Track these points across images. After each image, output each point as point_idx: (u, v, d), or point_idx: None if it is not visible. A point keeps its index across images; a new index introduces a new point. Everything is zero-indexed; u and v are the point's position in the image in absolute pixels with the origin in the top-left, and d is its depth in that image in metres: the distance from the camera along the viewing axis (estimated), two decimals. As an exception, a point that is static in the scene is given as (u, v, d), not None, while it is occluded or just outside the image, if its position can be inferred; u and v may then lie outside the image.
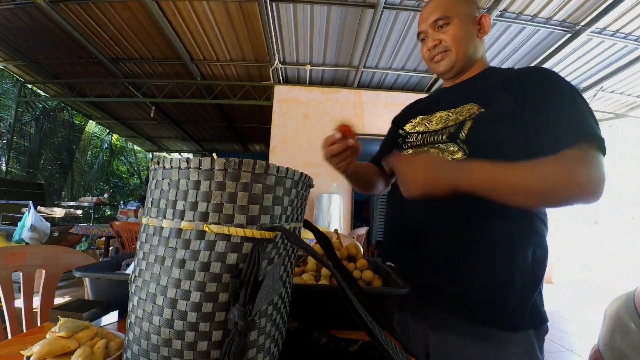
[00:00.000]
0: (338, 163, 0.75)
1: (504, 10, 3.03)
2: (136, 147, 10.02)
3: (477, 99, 0.74)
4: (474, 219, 0.69)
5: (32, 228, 3.48)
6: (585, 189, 0.58)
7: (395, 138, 0.93)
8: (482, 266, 0.68)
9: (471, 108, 0.73)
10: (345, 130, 0.69)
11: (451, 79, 0.85)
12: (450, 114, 0.77)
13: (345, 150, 0.71)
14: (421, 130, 0.83)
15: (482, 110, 0.71)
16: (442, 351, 0.70)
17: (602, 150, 0.61)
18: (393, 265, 0.81)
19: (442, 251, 0.71)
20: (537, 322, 0.68)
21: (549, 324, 0.70)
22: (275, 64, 4.05)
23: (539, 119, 0.65)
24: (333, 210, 3.94)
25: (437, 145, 0.76)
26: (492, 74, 0.78)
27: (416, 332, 0.76)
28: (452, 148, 0.73)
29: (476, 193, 0.61)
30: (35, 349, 0.40)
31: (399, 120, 0.97)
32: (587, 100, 0.65)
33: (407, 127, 0.88)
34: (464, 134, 0.71)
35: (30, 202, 3.69)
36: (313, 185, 0.50)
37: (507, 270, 0.66)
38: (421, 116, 0.86)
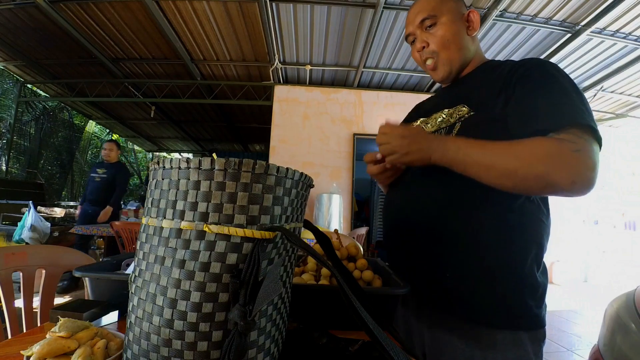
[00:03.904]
0: (381, 180, 0.84)
1: (504, 10, 3.03)
2: (136, 147, 10.02)
3: (468, 100, 0.73)
4: (463, 212, 0.68)
5: (32, 228, 3.49)
6: (570, 175, 0.53)
7: None
8: (467, 260, 0.66)
9: (461, 110, 0.72)
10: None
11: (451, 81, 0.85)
12: (443, 116, 0.77)
13: (384, 171, 0.78)
14: None
15: (472, 113, 0.70)
16: (435, 350, 0.70)
17: (597, 139, 0.56)
18: (388, 264, 0.82)
19: (432, 247, 0.71)
20: (529, 324, 0.65)
21: (549, 324, 0.68)
22: (275, 64, 4.05)
23: (520, 108, 0.62)
24: (333, 210, 3.94)
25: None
26: (486, 70, 0.76)
27: (415, 330, 0.76)
28: (431, 133, 0.74)
29: (449, 167, 0.63)
30: (35, 349, 0.40)
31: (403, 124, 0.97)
32: (587, 100, 0.62)
33: None
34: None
35: (30, 202, 3.70)
36: (313, 185, 0.50)
37: (493, 264, 0.65)
38: (422, 119, 0.86)
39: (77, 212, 3.82)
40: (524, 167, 0.55)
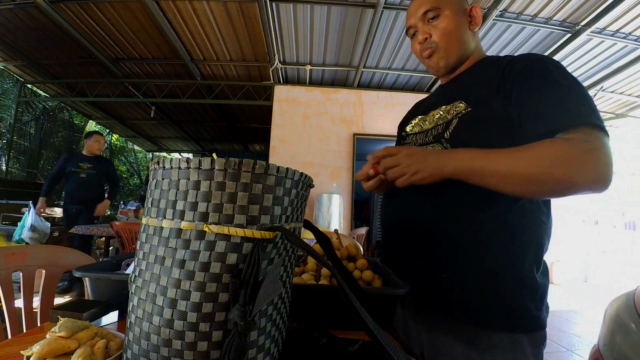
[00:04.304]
0: (379, 192, 0.83)
1: (504, 10, 3.03)
2: (136, 147, 10.02)
3: (465, 96, 0.72)
4: (463, 213, 0.67)
5: (32, 228, 3.48)
6: (589, 174, 0.53)
7: (399, 141, 0.94)
8: (466, 261, 0.66)
9: (458, 106, 0.71)
10: (375, 170, 0.77)
11: (446, 76, 0.83)
12: (441, 112, 0.76)
13: (380, 185, 0.78)
14: (417, 131, 0.83)
15: (469, 109, 0.69)
16: (433, 351, 0.70)
17: (606, 133, 0.56)
18: (384, 265, 0.81)
19: (431, 248, 0.70)
20: (528, 326, 0.64)
21: (549, 324, 0.67)
22: (275, 64, 4.05)
23: (524, 109, 0.61)
24: (333, 210, 3.94)
25: (424, 146, 0.77)
26: (484, 66, 0.75)
27: (413, 331, 0.76)
28: (436, 149, 0.73)
29: (464, 180, 0.60)
30: (35, 349, 0.40)
31: (402, 123, 0.97)
32: (589, 94, 0.59)
33: (408, 128, 0.89)
34: (448, 134, 0.70)
35: (30, 202, 3.69)
36: (313, 185, 0.50)
37: (491, 265, 0.64)
38: (420, 116, 0.85)
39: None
40: (542, 172, 0.54)
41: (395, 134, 1.01)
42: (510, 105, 0.63)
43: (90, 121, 7.61)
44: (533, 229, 0.66)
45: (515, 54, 0.70)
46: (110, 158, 9.21)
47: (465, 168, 0.60)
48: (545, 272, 0.68)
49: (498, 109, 0.64)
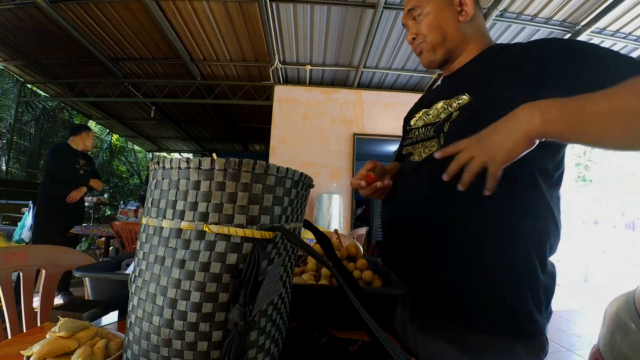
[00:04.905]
0: (375, 197, 0.83)
1: (504, 10, 3.03)
2: (136, 147, 10.02)
3: (469, 87, 0.70)
4: (459, 213, 0.65)
5: (32, 228, 3.48)
6: None
7: (404, 135, 0.93)
8: (462, 261, 0.64)
9: (462, 98, 0.70)
10: (369, 179, 0.78)
11: (446, 68, 0.82)
12: (445, 105, 0.75)
13: (375, 191, 0.79)
14: (420, 125, 0.82)
15: (472, 100, 0.67)
16: (426, 353, 0.68)
17: None
18: (384, 265, 0.81)
19: (428, 248, 0.70)
20: (523, 331, 0.61)
21: (550, 324, 0.64)
22: (275, 64, 4.05)
23: (581, 83, 0.54)
24: (333, 210, 3.94)
25: (424, 142, 0.76)
26: (489, 55, 0.74)
27: (410, 332, 0.75)
28: (433, 143, 0.72)
29: (558, 136, 0.49)
30: (35, 349, 0.40)
31: (407, 117, 0.95)
32: None
33: (412, 122, 0.88)
34: (447, 126, 0.69)
35: (30, 202, 3.69)
36: (313, 185, 0.50)
37: (488, 265, 0.62)
38: (423, 109, 0.84)
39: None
40: None
41: (395, 134, 1.01)
42: (545, 87, 0.58)
43: (90, 121, 7.61)
44: (536, 227, 0.63)
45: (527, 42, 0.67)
46: (110, 158, 9.23)
47: (560, 120, 0.48)
48: (550, 274, 0.65)
49: (503, 99, 0.62)
